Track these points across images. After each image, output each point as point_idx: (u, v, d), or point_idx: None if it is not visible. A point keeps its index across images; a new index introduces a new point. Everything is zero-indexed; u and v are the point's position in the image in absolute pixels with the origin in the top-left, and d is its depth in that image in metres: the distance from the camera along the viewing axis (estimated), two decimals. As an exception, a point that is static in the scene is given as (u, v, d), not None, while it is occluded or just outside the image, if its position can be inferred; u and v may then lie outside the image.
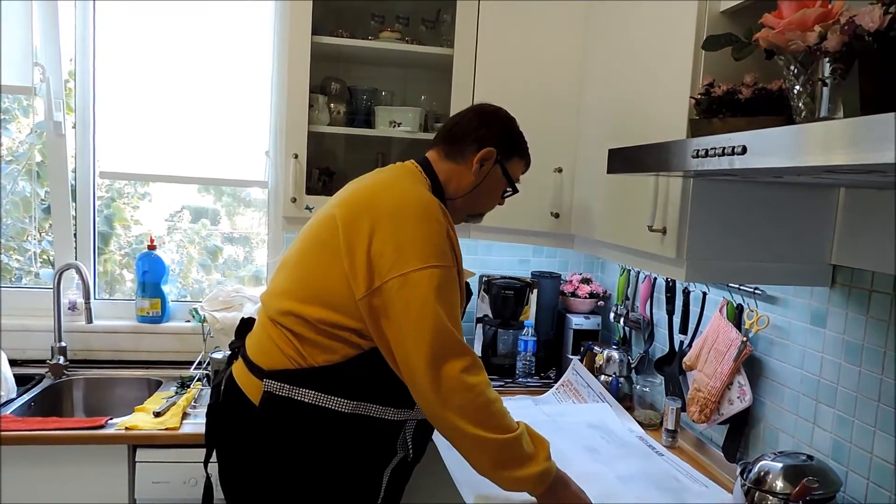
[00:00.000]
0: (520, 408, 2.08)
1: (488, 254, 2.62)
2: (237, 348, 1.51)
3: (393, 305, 1.29)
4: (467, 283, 1.52)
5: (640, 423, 1.99)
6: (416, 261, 1.29)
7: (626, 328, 2.32)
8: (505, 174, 1.56)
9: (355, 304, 1.31)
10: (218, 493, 1.51)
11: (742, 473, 1.36)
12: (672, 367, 1.98)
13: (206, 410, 1.52)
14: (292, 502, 1.40)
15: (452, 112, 2.15)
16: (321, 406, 1.36)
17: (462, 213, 1.60)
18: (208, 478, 1.55)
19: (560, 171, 1.99)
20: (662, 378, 2.03)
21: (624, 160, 1.31)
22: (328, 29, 2.19)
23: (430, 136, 2.24)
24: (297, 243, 1.46)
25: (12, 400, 2.02)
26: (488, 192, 1.57)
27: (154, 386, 2.24)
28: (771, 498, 1.28)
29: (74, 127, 2.37)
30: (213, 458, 1.50)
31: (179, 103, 2.39)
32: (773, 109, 1.11)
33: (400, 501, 1.58)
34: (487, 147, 1.52)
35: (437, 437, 1.78)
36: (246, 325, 1.57)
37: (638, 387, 2.09)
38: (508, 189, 1.60)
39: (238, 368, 1.46)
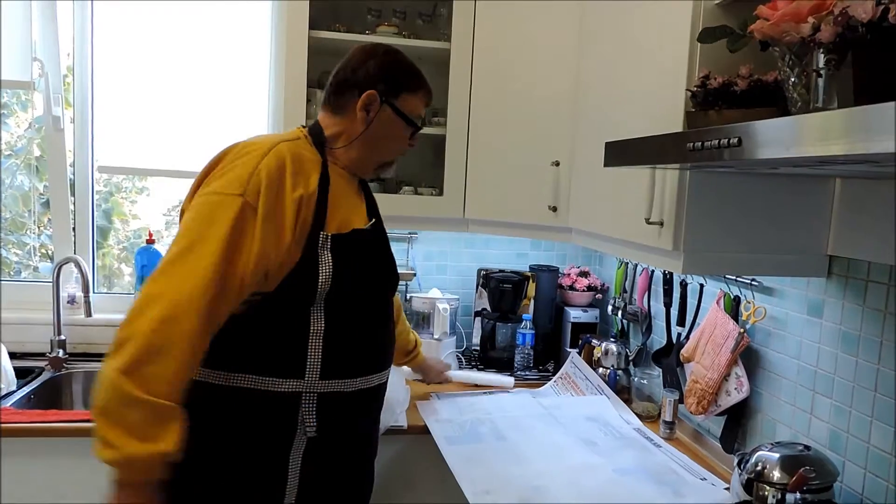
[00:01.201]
0: (518, 401, 2.09)
1: (486, 247, 2.63)
2: None
3: None
4: (363, 231, 1.42)
5: (638, 416, 2.00)
6: (204, 189, 1.26)
7: (624, 321, 2.33)
8: (398, 113, 1.42)
9: None
10: None
11: (739, 464, 1.37)
12: (670, 359, 1.98)
13: None
14: (192, 490, 1.32)
15: (451, 106, 2.17)
16: (195, 379, 1.26)
17: (365, 164, 1.46)
18: None
19: (557, 164, 1.99)
20: (660, 370, 2.04)
21: (620, 153, 1.31)
22: (325, 23, 2.18)
23: (429, 130, 2.25)
24: None
25: (12, 393, 2.02)
26: (385, 138, 1.43)
27: (154, 380, 2.25)
28: (768, 488, 1.29)
29: (73, 121, 2.37)
30: None
31: (177, 98, 2.39)
32: (768, 101, 1.11)
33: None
34: (367, 91, 1.39)
35: (436, 434, 1.79)
36: None
37: (636, 379, 2.10)
38: (410, 128, 1.45)
39: None
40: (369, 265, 1.44)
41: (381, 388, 1.50)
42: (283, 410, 1.32)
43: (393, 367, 1.58)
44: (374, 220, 1.48)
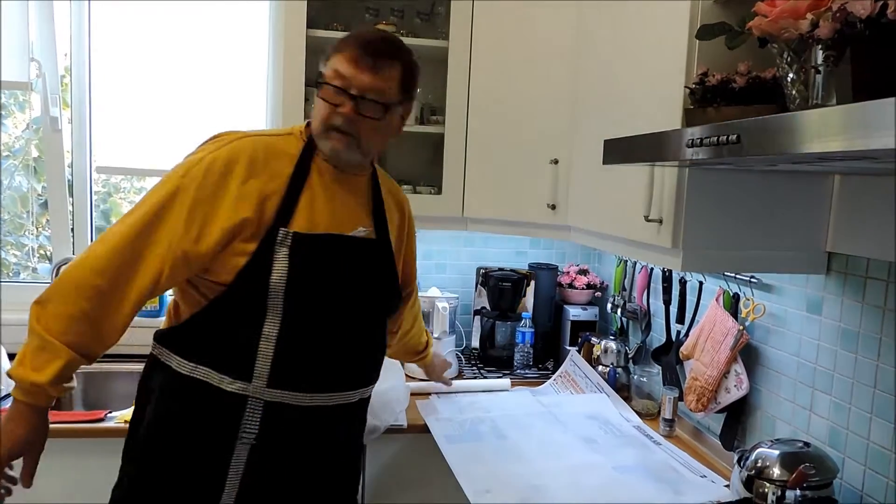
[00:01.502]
0: (518, 399, 2.09)
1: (486, 246, 2.63)
2: None
3: None
4: (341, 236, 1.35)
5: (638, 413, 2.00)
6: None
7: (624, 319, 2.33)
8: (321, 78, 1.34)
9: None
10: None
11: (739, 461, 1.37)
12: (669, 356, 1.98)
13: None
14: (137, 471, 1.37)
15: (449, 104, 2.17)
16: (167, 364, 1.33)
17: (323, 148, 1.35)
18: None
19: (556, 162, 1.99)
20: (660, 368, 2.04)
21: (619, 151, 1.31)
22: (323, 22, 2.18)
23: (427, 128, 2.25)
24: None
25: (12, 395, 2.02)
26: (316, 107, 1.34)
27: (153, 380, 2.24)
28: (768, 485, 1.29)
29: (70, 122, 2.37)
30: None
31: (175, 97, 2.39)
32: (767, 98, 1.11)
33: None
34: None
35: (436, 433, 1.79)
36: None
37: (635, 377, 2.10)
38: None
39: None
40: (344, 274, 1.35)
41: (348, 409, 1.40)
42: (227, 411, 1.30)
43: (392, 365, 1.57)
44: (362, 228, 1.39)
